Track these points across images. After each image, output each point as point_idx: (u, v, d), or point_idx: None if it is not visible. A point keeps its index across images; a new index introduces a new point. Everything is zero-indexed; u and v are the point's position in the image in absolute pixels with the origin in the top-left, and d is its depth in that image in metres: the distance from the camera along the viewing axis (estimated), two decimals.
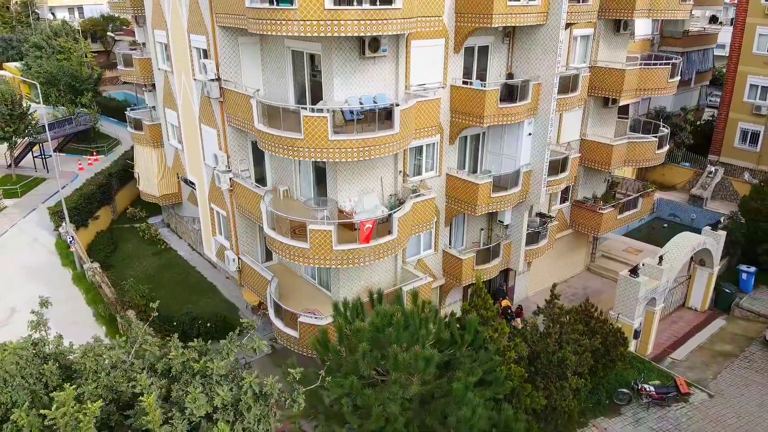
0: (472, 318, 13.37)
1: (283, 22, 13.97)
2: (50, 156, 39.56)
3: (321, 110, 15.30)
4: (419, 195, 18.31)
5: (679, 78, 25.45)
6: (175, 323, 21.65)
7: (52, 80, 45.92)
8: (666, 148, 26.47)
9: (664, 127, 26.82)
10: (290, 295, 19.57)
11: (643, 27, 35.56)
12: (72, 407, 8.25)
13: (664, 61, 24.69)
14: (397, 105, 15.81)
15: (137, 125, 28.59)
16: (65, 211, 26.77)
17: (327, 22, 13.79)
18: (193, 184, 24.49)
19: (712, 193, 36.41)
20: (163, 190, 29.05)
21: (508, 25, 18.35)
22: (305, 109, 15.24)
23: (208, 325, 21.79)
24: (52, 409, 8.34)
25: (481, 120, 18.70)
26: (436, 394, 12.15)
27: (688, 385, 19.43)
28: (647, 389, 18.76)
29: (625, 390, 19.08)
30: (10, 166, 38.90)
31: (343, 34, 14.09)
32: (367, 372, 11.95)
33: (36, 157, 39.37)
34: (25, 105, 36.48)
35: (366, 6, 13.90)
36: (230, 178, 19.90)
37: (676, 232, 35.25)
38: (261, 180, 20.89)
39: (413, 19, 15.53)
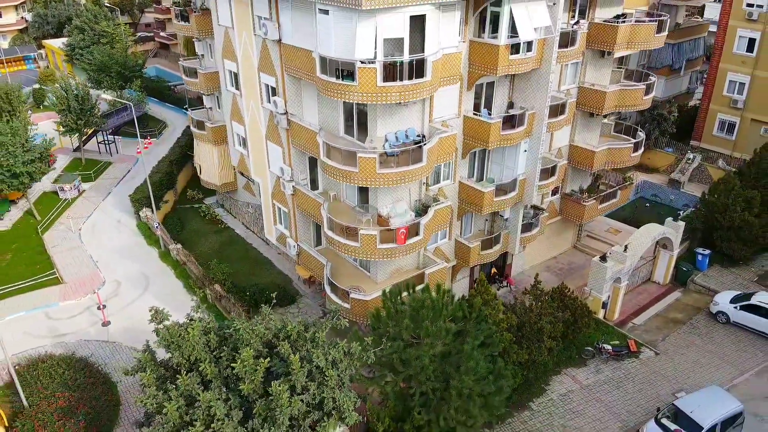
0: (477, 301, 19.54)
1: (346, 93, 19.52)
2: (113, 141, 45.45)
3: (370, 150, 20.98)
4: (439, 203, 24.14)
5: (653, 93, 30.58)
6: (248, 293, 27.83)
7: (103, 68, 50.95)
8: (641, 151, 31.81)
9: (640, 131, 32.12)
10: (337, 274, 25.61)
11: None
12: (250, 362, 14.49)
13: (641, 83, 29.78)
14: (425, 143, 21.43)
15: (200, 125, 34.13)
16: (152, 200, 32.74)
17: (378, 94, 19.34)
18: (254, 182, 30.34)
19: (689, 177, 41.89)
20: (223, 180, 34.89)
21: (510, 73, 23.65)
22: (360, 150, 20.93)
23: (273, 294, 27.93)
24: (238, 363, 14.58)
25: (487, 144, 24.26)
26: (452, 352, 18.39)
27: (637, 345, 25.68)
28: (605, 348, 25.07)
29: (589, 348, 25.38)
30: (77, 149, 44.77)
31: (388, 102, 19.68)
32: (407, 337, 18.20)
33: (100, 142, 45.16)
34: (92, 99, 41.94)
35: (405, 82, 19.40)
36: (293, 186, 25.76)
37: (656, 210, 41.33)
38: (313, 182, 26.66)
39: (438, 82, 20.97)
